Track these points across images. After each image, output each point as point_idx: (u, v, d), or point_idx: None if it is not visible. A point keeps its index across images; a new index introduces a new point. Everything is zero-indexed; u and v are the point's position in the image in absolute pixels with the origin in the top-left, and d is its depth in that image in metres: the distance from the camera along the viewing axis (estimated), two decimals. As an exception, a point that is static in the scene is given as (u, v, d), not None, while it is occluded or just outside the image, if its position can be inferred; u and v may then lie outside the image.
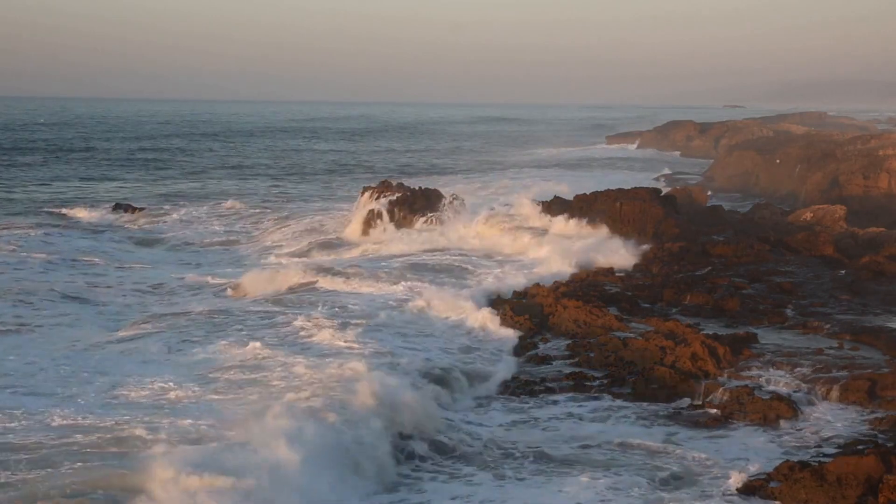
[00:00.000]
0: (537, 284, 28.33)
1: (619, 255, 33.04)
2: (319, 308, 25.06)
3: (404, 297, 26.82)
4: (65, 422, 15.89)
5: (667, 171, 77.44)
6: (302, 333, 22.57)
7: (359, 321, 23.64)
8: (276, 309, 25.49)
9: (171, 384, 18.30)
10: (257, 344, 20.98)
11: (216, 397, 17.68)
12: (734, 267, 30.83)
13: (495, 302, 26.90)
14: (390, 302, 26.29)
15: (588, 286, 28.94)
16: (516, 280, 29.88)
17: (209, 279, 31.53)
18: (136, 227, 44.88)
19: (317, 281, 29.13)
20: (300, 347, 21.37)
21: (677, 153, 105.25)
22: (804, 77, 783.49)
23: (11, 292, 27.43)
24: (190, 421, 15.91)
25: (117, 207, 48.56)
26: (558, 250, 32.80)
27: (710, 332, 23.17)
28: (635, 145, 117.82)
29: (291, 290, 28.37)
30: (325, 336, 22.00)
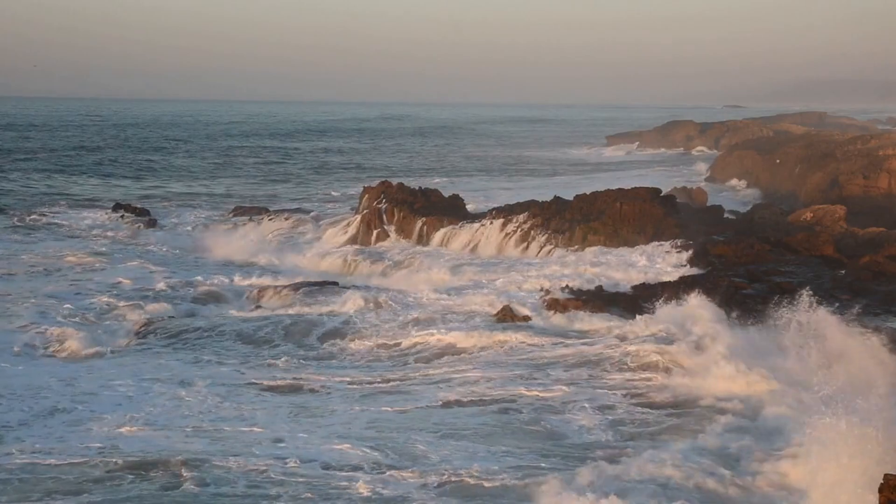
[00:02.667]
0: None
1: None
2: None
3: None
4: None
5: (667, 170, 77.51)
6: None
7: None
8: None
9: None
10: None
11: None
12: (734, 267, 30.80)
13: None
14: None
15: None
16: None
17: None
18: (133, 227, 44.79)
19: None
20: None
21: (679, 150, 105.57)
22: (804, 77, 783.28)
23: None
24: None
25: (117, 207, 48.56)
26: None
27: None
28: (635, 146, 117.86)
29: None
30: None
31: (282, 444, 16.25)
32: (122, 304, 28.00)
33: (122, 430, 16.86)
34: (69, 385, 19.85)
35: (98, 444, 16.08)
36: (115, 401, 18.72)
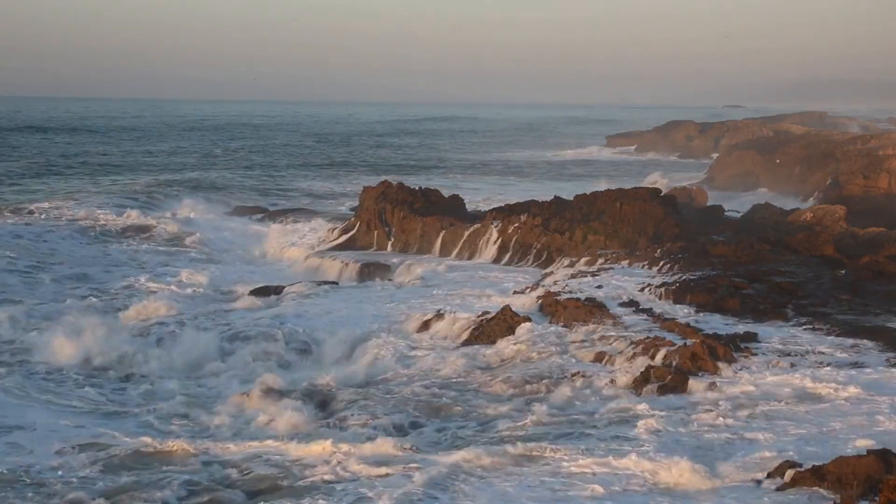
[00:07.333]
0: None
1: None
2: None
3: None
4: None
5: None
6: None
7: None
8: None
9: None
10: None
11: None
12: (734, 267, 30.78)
13: None
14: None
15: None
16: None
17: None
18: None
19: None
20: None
21: (677, 153, 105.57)
22: (804, 77, 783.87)
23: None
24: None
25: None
26: None
27: (710, 332, 23.16)
28: (635, 146, 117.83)
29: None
30: None
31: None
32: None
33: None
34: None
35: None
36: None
